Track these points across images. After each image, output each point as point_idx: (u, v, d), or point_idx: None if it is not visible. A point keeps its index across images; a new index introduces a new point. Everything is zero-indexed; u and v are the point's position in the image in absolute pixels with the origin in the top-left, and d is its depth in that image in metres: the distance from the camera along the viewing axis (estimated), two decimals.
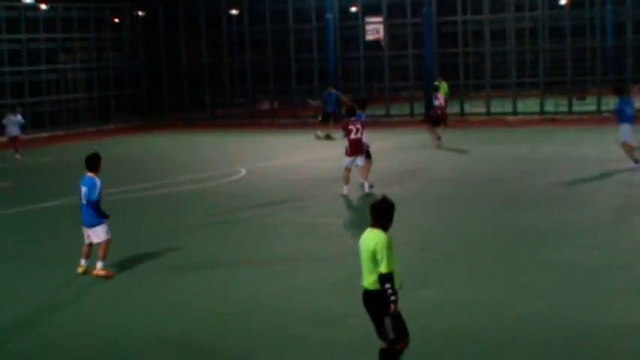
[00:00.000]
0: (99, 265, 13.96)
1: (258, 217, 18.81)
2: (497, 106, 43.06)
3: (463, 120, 41.18)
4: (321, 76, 45.32)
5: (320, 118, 38.12)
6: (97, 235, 13.95)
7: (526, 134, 32.18)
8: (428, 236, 16.06)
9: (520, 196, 20.00)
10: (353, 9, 45.43)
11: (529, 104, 43.26)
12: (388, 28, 44.61)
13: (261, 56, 46.98)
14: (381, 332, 8.42)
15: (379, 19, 44.50)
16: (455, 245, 15.10)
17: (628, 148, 23.05)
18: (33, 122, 41.68)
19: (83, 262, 14.16)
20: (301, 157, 29.67)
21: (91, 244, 14.07)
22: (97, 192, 13.83)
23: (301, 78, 46.39)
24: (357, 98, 31.03)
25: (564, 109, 42.20)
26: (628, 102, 23.52)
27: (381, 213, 8.45)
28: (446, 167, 25.72)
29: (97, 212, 13.86)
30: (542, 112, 41.75)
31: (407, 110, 44.21)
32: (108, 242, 14.01)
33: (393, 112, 44.29)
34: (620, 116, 23.16)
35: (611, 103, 42.46)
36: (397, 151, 30.55)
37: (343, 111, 27.65)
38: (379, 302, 8.27)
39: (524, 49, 44.04)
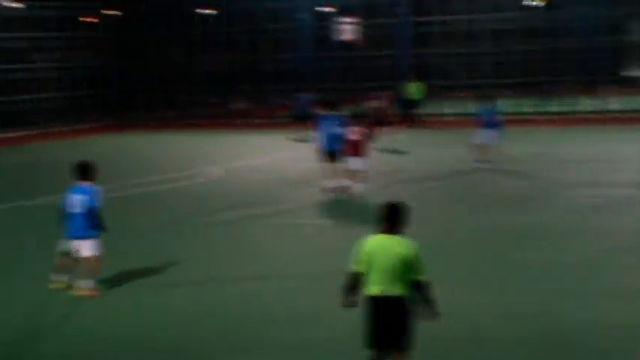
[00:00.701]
0: (84, 283, 12.63)
1: (233, 218, 18.79)
2: (472, 107, 43.20)
3: (440, 121, 41.32)
4: (295, 76, 45.33)
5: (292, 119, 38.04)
6: (89, 248, 12.53)
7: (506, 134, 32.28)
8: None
9: (488, 197, 20.14)
10: (327, 9, 45.49)
11: (503, 105, 43.39)
12: (363, 28, 44.68)
13: (235, 56, 46.94)
14: (399, 340, 8.17)
15: (354, 19, 44.55)
16: (427, 246, 15.10)
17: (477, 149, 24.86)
18: (7, 121, 41.41)
19: (65, 277, 12.74)
20: (276, 157, 29.69)
21: (77, 259, 12.63)
22: (100, 199, 12.58)
23: (276, 78, 46.39)
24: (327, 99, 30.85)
25: (538, 109, 42.46)
26: (494, 112, 25.24)
27: (401, 217, 8.24)
28: (414, 168, 25.81)
29: (96, 223, 12.44)
30: (516, 112, 41.96)
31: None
32: (99, 258, 12.67)
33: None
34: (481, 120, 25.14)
35: (583, 103, 42.94)
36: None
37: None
38: (406, 309, 8.11)
39: (499, 51, 44.26)
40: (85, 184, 12.64)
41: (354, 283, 8.29)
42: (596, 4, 43.63)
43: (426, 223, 17.23)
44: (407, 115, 38.54)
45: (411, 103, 39.12)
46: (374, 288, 8.14)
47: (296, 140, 34.91)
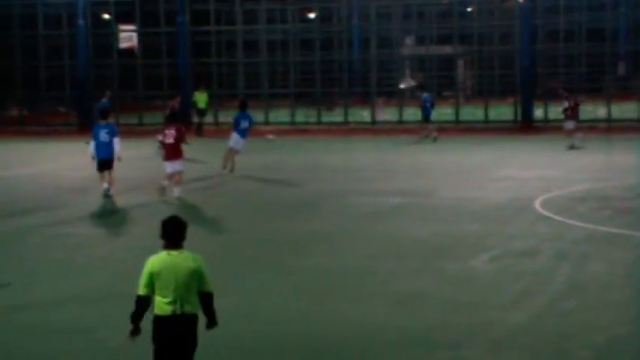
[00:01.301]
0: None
1: (5, 228, 18.21)
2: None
3: (219, 129, 41.59)
4: (72, 83, 44.36)
5: None
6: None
7: (278, 144, 33.00)
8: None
9: (270, 205, 20.54)
10: (106, 16, 44.82)
11: (281, 114, 44.31)
12: (142, 36, 44.37)
13: (8, 61, 45.31)
14: (190, 357, 8.01)
15: (132, 27, 44.18)
16: (208, 252, 15.24)
17: (228, 155, 25.84)
18: None
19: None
20: (53, 166, 28.97)
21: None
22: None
23: (52, 85, 45.19)
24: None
25: (313, 119, 43.59)
26: (245, 116, 26.20)
27: (181, 231, 8.01)
28: (195, 176, 25.91)
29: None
30: (293, 122, 42.93)
31: (161, 119, 44.03)
32: None
33: (147, 120, 44.03)
34: (237, 128, 25.95)
35: (356, 114, 44.45)
36: (150, 159, 30.45)
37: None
38: (196, 325, 7.97)
39: (276, 61, 45.15)
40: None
41: (144, 308, 7.95)
42: (367, 17, 45.40)
43: (206, 233, 17.39)
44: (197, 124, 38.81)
45: (199, 112, 39.28)
46: (165, 308, 7.85)
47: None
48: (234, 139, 25.82)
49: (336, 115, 44.75)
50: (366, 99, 47.55)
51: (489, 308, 11.62)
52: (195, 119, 39.59)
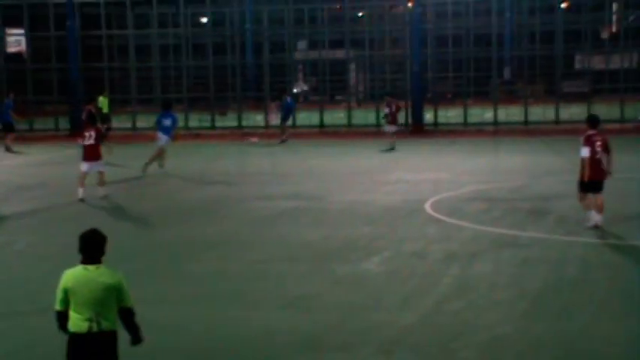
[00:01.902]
0: None
1: None
2: (143, 121, 43.47)
3: (109, 135, 41.08)
4: None
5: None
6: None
7: (171, 149, 32.80)
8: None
9: (165, 211, 20.48)
10: None
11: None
12: (30, 40, 43.54)
13: None
14: None
15: (20, 30, 43.30)
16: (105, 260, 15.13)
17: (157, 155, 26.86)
18: None
19: None
20: None
21: None
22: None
23: None
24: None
25: (207, 124, 43.51)
26: (168, 115, 27.03)
27: (98, 245, 7.78)
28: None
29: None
30: (187, 127, 42.76)
31: (52, 124, 43.39)
32: None
33: (37, 126, 43.25)
34: (160, 127, 26.90)
35: (250, 118, 44.55)
36: (39, 165, 30.06)
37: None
38: (116, 343, 7.75)
39: (169, 65, 44.90)
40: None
41: (63, 322, 7.68)
42: (260, 22, 45.54)
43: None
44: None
45: (103, 117, 38.58)
46: (81, 325, 7.56)
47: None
48: (163, 138, 26.80)
49: (230, 120, 44.74)
50: (259, 103, 47.72)
51: (380, 310, 11.83)
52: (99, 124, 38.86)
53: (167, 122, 26.85)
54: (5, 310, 12.29)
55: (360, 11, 48.29)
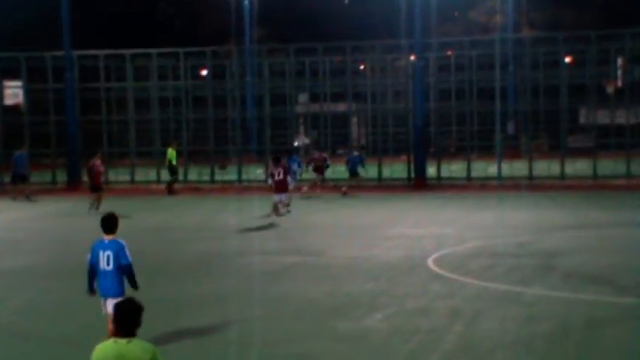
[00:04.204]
0: None
1: None
2: (141, 174, 43.12)
3: (108, 188, 40.64)
4: None
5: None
6: None
7: (172, 202, 32.49)
8: (68, 308, 15.54)
9: (164, 266, 19.98)
10: None
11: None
12: (28, 92, 43.32)
13: None
14: None
15: (18, 83, 43.10)
16: (89, 322, 14.58)
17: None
18: None
19: None
20: None
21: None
22: (128, 254, 11.98)
23: None
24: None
25: (207, 177, 43.13)
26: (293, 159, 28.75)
27: (134, 318, 7.00)
28: (87, 237, 25.22)
29: (131, 278, 12.01)
30: (185, 180, 42.35)
31: (49, 177, 42.99)
32: None
33: (34, 179, 42.80)
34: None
35: (250, 171, 44.19)
36: (37, 219, 29.59)
37: None
38: None
39: (168, 118, 44.66)
40: (109, 238, 11.97)
41: None
42: (261, 75, 45.41)
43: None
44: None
45: (172, 169, 38.13)
46: None
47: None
48: (292, 183, 29.64)
49: (230, 173, 44.39)
50: (260, 156, 47.38)
51: None
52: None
53: (294, 166, 31.38)
54: None
55: (361, 64, 48.15)
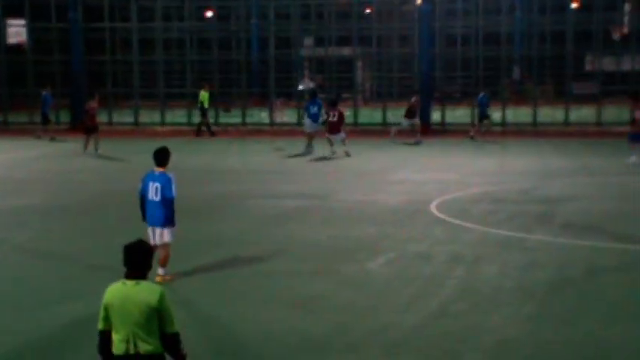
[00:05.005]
0: (161, 271, 12.99)
1: None
2: (145, 116, 43.06)
3: (111, 130, 40.66)
4: None
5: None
6: (166, 235, 12.95)
7: (176, 145, 32.17)
8: (71, 248, 15.68)
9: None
10: None
11: (177, 114, 43.67)
12: (32, 31, 43.08)
13: None
14: None
15: (21, 21, 42.83)
16: (99, 257, 14.79)
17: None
18: None
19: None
20: None
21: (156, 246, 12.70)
22: (174, 188, 12.84)
23: None
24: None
25: (212, 120, 43.06)
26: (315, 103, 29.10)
27: (142, 259, 6.95)
28: (90, 177, 25.34)
29: (171, 212, 12.86)
30: (189, 123, 42.29)
31: (53, 118, 42.92)
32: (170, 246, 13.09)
33: (37, 119, 42.73)
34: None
35: (254, 115, 44.13)
36: (39, 159, 29.69)
37: None
38: None
39: (172, 60, 44.47)
40: (160, 171, 12.92)
41: (104, 343, 6.96)
42: (266, 17, 45.12)
43: (106, 239, 16.93)
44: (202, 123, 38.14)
45: (203, 111, 38.03)
46: (118, 346, 6.86)
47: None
48: (307, 123, 31.17)
49: (234, 116, 44.32)
50: (264, 100, 47.28)
51: (385, 311, 11.59)
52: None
53: (314, 109, 30.73)
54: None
55: (368, 8, 47.77)
